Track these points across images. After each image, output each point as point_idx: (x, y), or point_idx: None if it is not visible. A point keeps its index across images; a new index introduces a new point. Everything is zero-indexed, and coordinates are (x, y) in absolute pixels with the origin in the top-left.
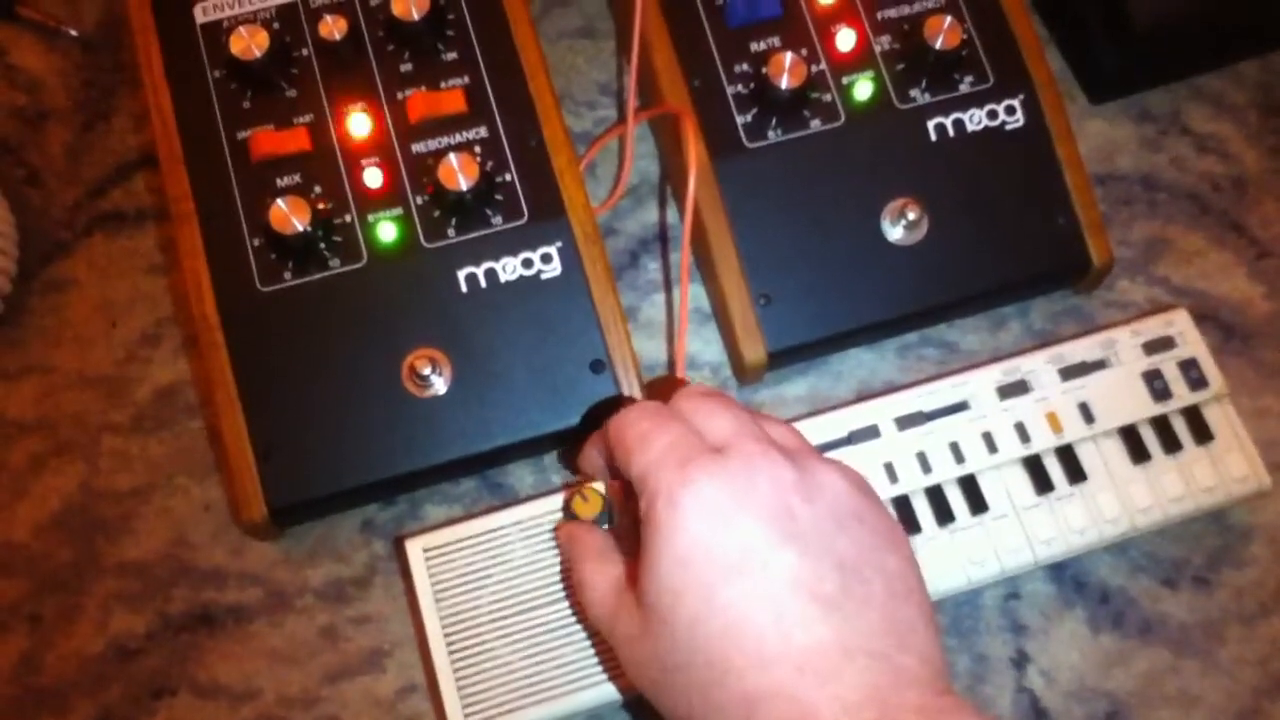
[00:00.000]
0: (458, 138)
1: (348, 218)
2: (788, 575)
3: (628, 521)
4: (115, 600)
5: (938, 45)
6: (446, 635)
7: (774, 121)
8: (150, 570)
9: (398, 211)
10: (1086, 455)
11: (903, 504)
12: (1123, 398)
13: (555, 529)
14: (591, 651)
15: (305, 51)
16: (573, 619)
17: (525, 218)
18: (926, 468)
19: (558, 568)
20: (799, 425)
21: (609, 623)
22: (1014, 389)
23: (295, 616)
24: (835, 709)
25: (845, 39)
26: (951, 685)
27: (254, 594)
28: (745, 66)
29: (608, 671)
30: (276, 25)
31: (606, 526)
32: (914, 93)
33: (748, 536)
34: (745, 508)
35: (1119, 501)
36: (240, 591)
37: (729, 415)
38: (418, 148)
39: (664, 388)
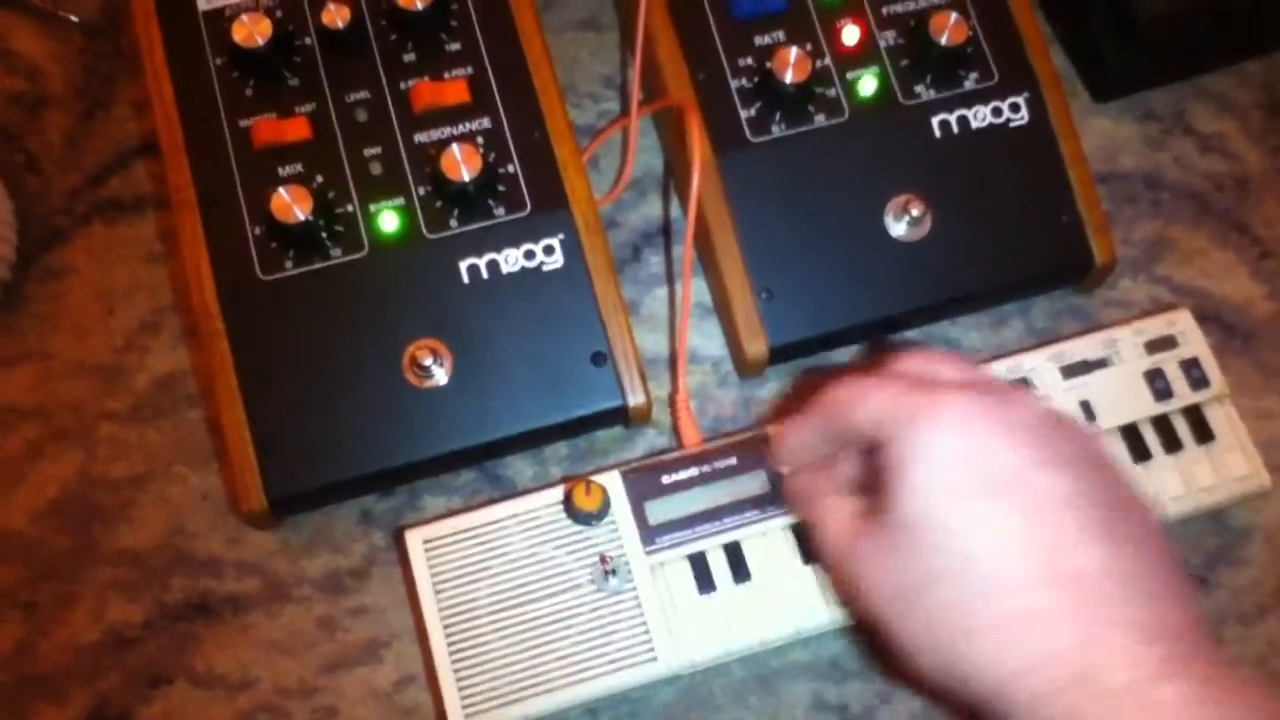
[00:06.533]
0: (460, 128)
1: (350, 207)
2: (1058, 496)
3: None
4: (112, 588)
5: (943, 41)
6: (445, 626)
7: (778, 116)
8: (147, 559)
9: (400, 201)
10: None
11: None
12: (1124, 396)
13: (785, 482)
14: (589, 644)
15: (308, 40)
16: (572, 612)
17: (528, 209)
18: None
19: (557, 560)
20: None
21: (848, 545)
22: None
23: (293, 607)
24: (1125, 639)
25: (850, 34)
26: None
27: (252, 584)
28: (750, 60)
29: (611, 662)
30: (279, 13)
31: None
32: (919, 89)
33: (1010, 454)
34: (1005, 428)
35: None
36: (238, 581)
37: (964, 362)
38: (420, 138)
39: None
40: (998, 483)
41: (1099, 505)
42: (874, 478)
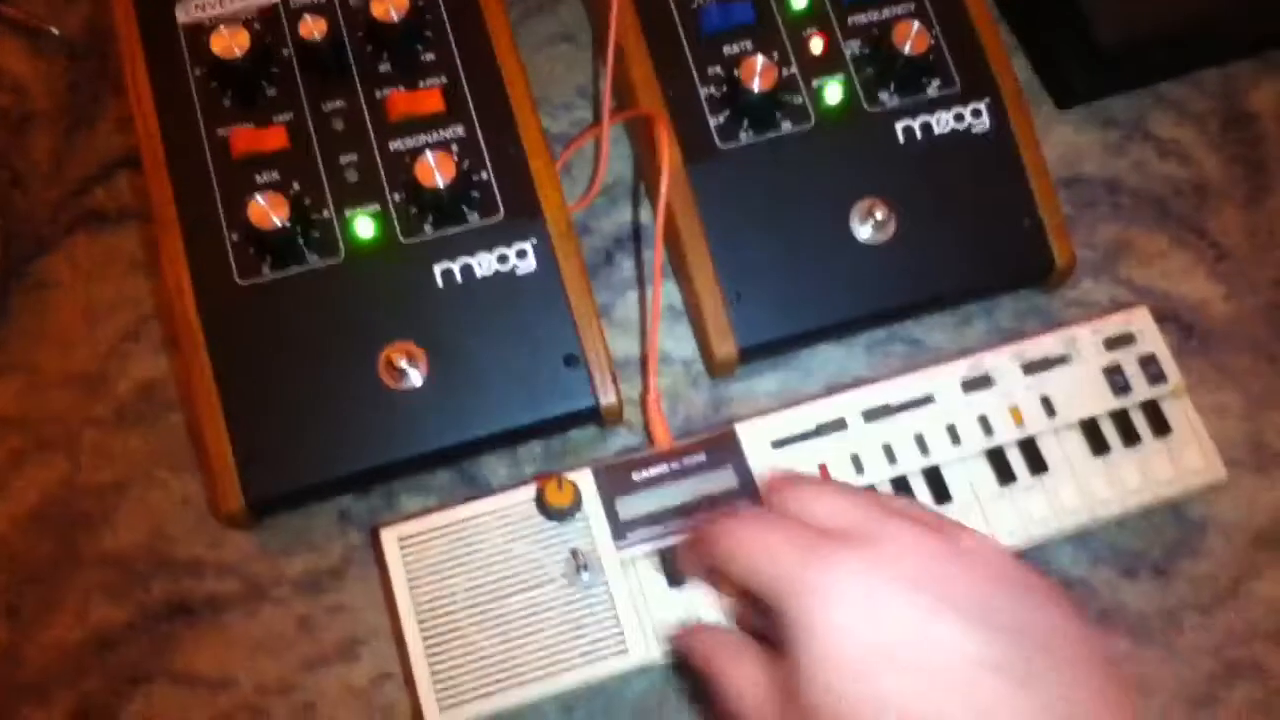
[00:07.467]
0: (435, 136)
1: (326, 214)
2: (965, 653)
3: (758, 620)
4: (95, 591)
5: (906, 50)
6: (421, 623)
7: (746, 123)
8: (129, 562)
9: (375, 208)
10: (1048, 447)
11: None
12: (1084, 392)
13: (676, 637)
14: (562, 638)
15: (285, 51)
16: (545, 606)
17: (501, 215)
18: (892, 459)
19: (530, 556)
20: (769, 419)
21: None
22: (978, 383)
23: (272, 607)
24: None
25: (816, 44)
26: None
27: (231, 585)
28: (718, 70)
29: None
30: (257, 25)
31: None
32: (883, 96)
33: (906, 617)
34: (895, 586)
35: (1079, 493)
36: (218, 582)
37: (843, 496)
38: (395, 146)
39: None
40: (894, 656)
41: (1010, 646)
42: (778, 636)
